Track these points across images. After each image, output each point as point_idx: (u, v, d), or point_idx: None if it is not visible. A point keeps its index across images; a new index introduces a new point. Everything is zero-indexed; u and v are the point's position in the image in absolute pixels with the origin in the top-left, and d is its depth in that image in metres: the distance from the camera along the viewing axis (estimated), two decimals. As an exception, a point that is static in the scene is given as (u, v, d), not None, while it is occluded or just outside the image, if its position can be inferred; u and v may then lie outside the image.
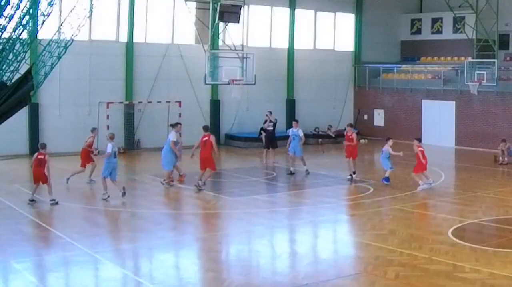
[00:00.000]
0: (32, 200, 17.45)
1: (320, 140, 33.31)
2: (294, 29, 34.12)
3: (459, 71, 32.31)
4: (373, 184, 20.82)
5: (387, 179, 20.77)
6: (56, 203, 17.33)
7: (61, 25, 20.43)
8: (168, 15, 30.46)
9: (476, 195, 19.48)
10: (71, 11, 20.22)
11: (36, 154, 17.81)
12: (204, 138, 19.82)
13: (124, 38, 29.39)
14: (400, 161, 26.63)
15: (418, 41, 37.53)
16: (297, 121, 24.47)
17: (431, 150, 31.26)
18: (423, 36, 37.37)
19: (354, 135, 22.31)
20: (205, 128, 20.63)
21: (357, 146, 22.59)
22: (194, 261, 13.24)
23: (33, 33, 15.96)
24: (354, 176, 21.69)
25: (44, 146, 17.90)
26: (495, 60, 30.24)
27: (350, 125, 22.94)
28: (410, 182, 21.75)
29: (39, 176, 17.45)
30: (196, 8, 30.93)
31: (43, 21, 15.78)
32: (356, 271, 12.04)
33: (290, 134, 23.26)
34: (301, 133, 22.98)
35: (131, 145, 29.24)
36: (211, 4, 29.06)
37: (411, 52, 37.67)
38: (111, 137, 18.94)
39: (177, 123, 21.66)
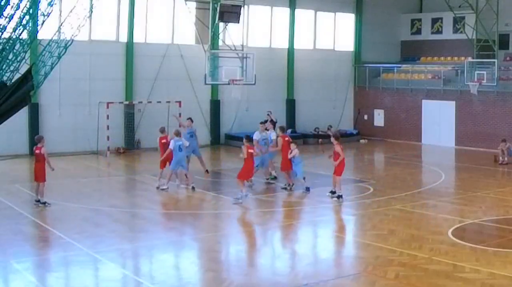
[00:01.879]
0: (38, 201, 17.36)
1: (320, 140, 33.29)
2: (294, 29, 34.11)
3: (459, 71, 32.32)
4: (373, 184, 20.81)
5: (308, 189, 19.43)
6: (45, 205, 17.11)
7: (61, 25, 20.43)
8: (168, 15, 30.46)
9: (476, 195, 19.47)
10: (71, 11, 20.22)
11: (34, 149, 17.76)
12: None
13: (124, 38, 29.39)
14: (401, 161, 26.66)
15: (418, 41, 37.53)
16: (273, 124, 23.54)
17: (431, 150, 31.42)
18: (423, 36, 37.38)
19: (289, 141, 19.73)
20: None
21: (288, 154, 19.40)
22: (194, 261, 13.23)
23: (33, 33, 15.96)
24: (289, 187, 19.61)
25: (39, 139, 17.62)
26: (495, 60, 30.23)
27: (281, 129, 20.52)
28: (411, 182, 21.77)
29: (36, 173, 17.32)
30: (196, 8, 30.93)
31: (43, 21, 15.79)
32: (356, 271, 12.03)
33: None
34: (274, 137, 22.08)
35: (131, 145, 29.25)
36: (211, 4, 29.07)
37: (411, 52, 37.68)
38: (176, 134, 19.53)
39: (262, 123, 21.90)
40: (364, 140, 34.57)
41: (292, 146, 19.39)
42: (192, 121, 22.20)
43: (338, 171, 18.23)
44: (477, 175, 23.38)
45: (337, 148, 18.10)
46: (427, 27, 37.26)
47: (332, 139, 18.65)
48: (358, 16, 36.40)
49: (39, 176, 17.24)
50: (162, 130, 20.45)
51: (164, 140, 20.10)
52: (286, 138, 20.15)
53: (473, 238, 14.54)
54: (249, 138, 18.89)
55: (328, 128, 34.30)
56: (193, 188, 19.54)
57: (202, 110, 31.50)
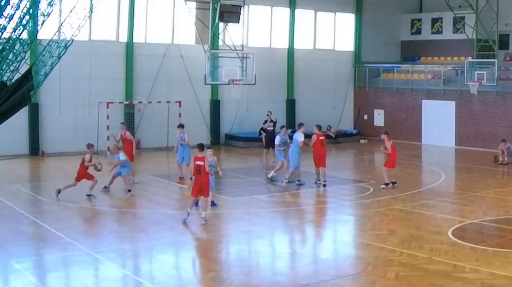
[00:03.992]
0: (89, 195, 18.26)
1: (320, 140, 33.27)
2: (294, 29, 34.12)
3: (459, 71, 32.34)
4: (373, 184, 20.81)
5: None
6: (91, 198, 18.20)
7: (61, 25, 20.41)
8: (168, 15, 30.48)
9: (476, 195, 19.48)
10: (71, 11, 20.20)
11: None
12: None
13: (124, 38, 29.40)
14: (401, 161, 26.63)
15: (418, 41, 37.55)
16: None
17: (431, 150, 31.42)
18: (423, 36, 37.40)
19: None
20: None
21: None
22: (194, 261, 13.24)
23: (33, 33, 15.95)
24: (322, 183, 20.43)
25: (89, 147, 18.80)
26: (495, 60, 30.25)
27: (318, 127, 20.93)
28: (411, 182, 21.78)
29: (81, 175, 18.55)
30: (196, 8, 30.95)
31: (43, 21, 15.77)
32: (356, 271, 12.04)
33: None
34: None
35: (131, 145, 29.23)
36: (211, 4, 29.08)
37: (411, 52, 37.71)
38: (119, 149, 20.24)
39: (301, 124, 21.95)
40: (364, 140, 34.57)
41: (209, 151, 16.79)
42: (182, 127, 21.35)
43: (386, 163, 20.57)
44: (477, 175, 23.38)
45: (387, 143, 20.27)
46: (427, 27, 37.28)
47: (383, 136, 20.55)
48: (358, 16, 36.41)
49: (87, 176, 18.56)
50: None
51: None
52: (321, 137, 20.71)
53: (473, 238, 14.55)
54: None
55: (328, 129, 34.41)
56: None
57: (202, 110, 31.50)
